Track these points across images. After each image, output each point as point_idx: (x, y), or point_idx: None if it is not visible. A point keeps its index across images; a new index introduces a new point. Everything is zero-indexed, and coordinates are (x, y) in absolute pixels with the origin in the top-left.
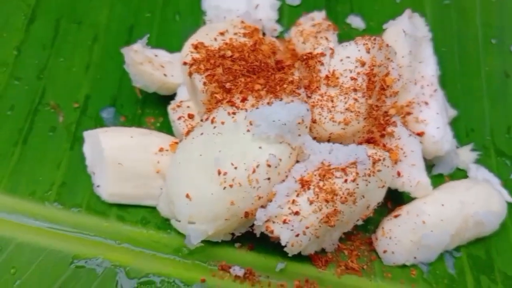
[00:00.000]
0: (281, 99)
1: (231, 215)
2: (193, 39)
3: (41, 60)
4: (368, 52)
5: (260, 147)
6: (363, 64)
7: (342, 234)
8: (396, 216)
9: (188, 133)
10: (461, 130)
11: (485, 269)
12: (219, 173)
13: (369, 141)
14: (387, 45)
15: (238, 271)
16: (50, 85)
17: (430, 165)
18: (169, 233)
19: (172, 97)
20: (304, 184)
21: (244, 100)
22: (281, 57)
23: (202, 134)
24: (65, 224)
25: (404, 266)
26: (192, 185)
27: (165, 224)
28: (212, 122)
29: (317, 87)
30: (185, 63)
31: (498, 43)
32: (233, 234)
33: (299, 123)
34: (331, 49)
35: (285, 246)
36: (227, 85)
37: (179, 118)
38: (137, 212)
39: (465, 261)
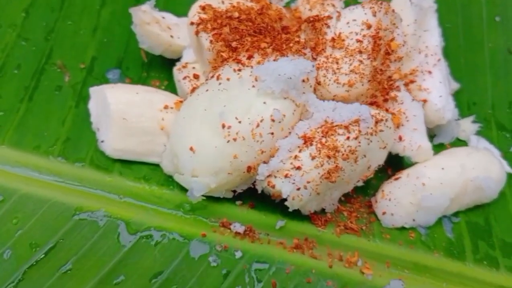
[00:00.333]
0: (287, 57)
1: (233, 169)
2: (201, 1)
3: (49, 22)
4: (374, 15)
5: (264, 102)
6: (369, 27)
7: (342, 196)
8: (396, 179)
9: (193, 90)
10: (463, 103)
11: (483, 235)
12: (223, 126)
13: (372, 105)
14: (393, 11)
15: (238, 227)
16: (57, 47)
17: (431, 135)
18: (172, 189)
19: (177, 61)
20: (307, 140)
21: (250, 57)
22: (288, 23)
23: (207, 90)
24: (68, 178)
25: (402, 228)
26: (196, 139)
27: (167, 181)
28: (218, 79)
29: (323, 49)
30: (192, 23)
31: (502, 20)
32: (234, 191)
33: (303, 80)
34: (337, 12)
35: (286, 201)
36: (233, 44)
37: (185, 78)
38: (140, 169)
39: (463, 226)
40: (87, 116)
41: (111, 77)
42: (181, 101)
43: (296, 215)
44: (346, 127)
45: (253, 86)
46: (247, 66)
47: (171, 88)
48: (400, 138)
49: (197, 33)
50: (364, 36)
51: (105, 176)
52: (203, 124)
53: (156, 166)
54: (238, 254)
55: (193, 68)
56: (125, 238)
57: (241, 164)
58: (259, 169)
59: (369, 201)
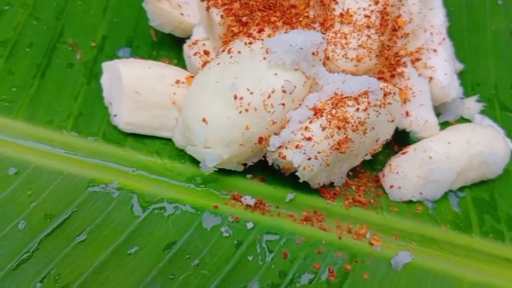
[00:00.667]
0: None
1: (245, 140)
2: None
3: (60, 2)
4: None
5: (275, 74)
6: (376, 2)
7: (350, 171)
8: (403, 153)
9: (204, 65)
10: (467, 84)
11: (489, 209)
12: (235, 98)
13: (380, 80)
14: None
15: (249, 200)
16: (68, 26)
17: (436, 113)
18: (183, 162)
19: (186, 40)
20: (317, 111)
21: (260, 31)
22: (295, 2)
23: (218, 64)
24: (81, 151)
25: (409, 202)
26: (209, 110)
27: (179, 155)
28: (229, 52)
29: (331, 25)
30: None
31: (505, 3)
32: (245, 164)
33: (313, 53)
34: None
35: (295, 174)
36: (244, 18)
37: (195, 54)
38: (152, 143)
39: (469, 201)
40: (99, 93)
41: (122, 55)
42: (192, 76)
43: (305, 188)
44: (356, 99)
45: (264, 58)
46: (257, 39)
47: (181, 66)
48: (407, 113)
49: (208, 8)
50: (372, 11)
51: (117, 149)
52: (215, 96)
53: (168, 140)
54: (250, 225)
55: (203, 44)
56: (138, 209)
57: (253, 135)
58: (271, 140)
59: (376, 175)
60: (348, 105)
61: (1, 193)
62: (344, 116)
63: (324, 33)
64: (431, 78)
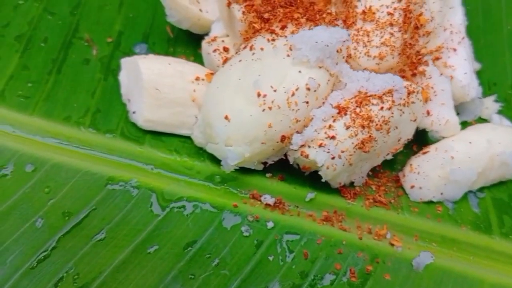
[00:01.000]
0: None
1: (267, 138)
2: None
3: None
4: None
5: (299, 71)
6: (399, 0)
7: (370, 171)
8: (424, 153)
9: (225, 61)
10: (484, 83)
11: (508, 210)
12: (259, 95)
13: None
14: None
15: (269, 199)
16: (83, 21)
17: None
18: (202, 161)
19: (202, 37)
20: (341, 110)
21: (283, 28)
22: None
23: (240, 60)
24: (99, 148)
25: (430, 202)
26: (231, 107)
27: (198, 153)
28: (251, 49)
29: (353, 22)
30: None
31: None
32: (265, 163)
33: (337, 51)
34: None
35: (318, 175)
36: (266, 15)
37: (215, 51)
38: (171, 141)
39: (488, 202)
40: (116, 89)
41: (138, 51)
42: (212, 73)
43: (325, 188)
44: (380, 97)
45: (288, 55)
46: (281, 36)
47: (198, 63)
48: (428, 113)
49: (229, 4)
50: (395, 9)
51: (136, 147)
52: (238, 93)
53: (187, 138)
54: (270, 225)
55: (222, 41)
56: (157, 208)
57: (275, 133)
58: (293, 138)
59: (396, 175)
60: (373, 104)
61: (18, 191)
62: (369, 114)
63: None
64: (451, 77)
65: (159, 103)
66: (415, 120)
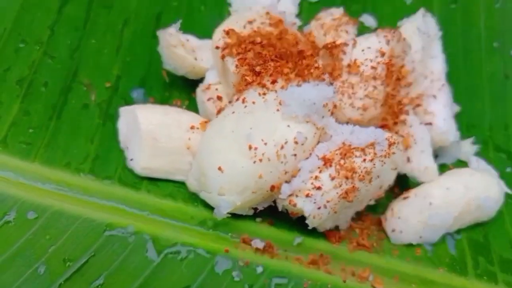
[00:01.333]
0: (308, 82)
1: (258, 188)
2: (224, 25)
3: (74, 40)
4: (387, 43)
5: (288, 126)
6: (382, 54)
7: (355, 214)
8: (405, 198)
9: (219, 112)
10: (463, 125)
11: (483, 251)
12: (250, 148)
13: (383, 127)
14: (404, 39)
15: (258, 243)
16: (82, 65)
17: (434, 155)
18: (196, 206)
19: (197, 82)
20: (327, 161)
21: (274, 82)
22: (303, 47)
23: (233, 112)
24: (98, 195)
25: (409, 245)
26: (224, 159)
27: (192, 198)
28: (243, 102)
29: (339, 74)
30: (217, 47)
31: (500, 46)
32: (255, 209)
33: (324, 105)
34: (353, 40)
35: (305, 219)
36: (257, 68)
37: (209, 100)
38: (166, 186)
39: (465, 243)
40: (114, 134)
41: (135, 96)
42: (206, 122)
43: (312, 232)
44: (363, 150)
45: (278, 110)
46: (271, 90)
47: (192, 106)
48: (408, 159)
49: (223, 57)
50: (378, 63)
51: (133, 193)
52: (231, 145)
53: (181, 183)
54: (259, 270)
55: (216, 89)
56: (153, 253)
57: (266, 183)
58: (282, 188)
59: (378, 218)
60: (356, 156)
61: (21, 238)
62: (352, 166)
63: (332, 83)
64: (430, 124)
65: (156, 152)
66: (395, 169)
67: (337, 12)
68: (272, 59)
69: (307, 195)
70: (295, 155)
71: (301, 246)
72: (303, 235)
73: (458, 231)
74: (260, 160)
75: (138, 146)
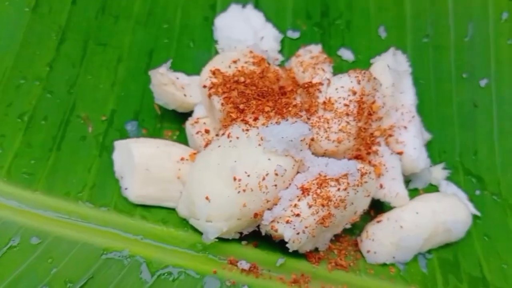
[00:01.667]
0: (287, 119)
1: (243, 215)
2: (211, 65)
3: (71, 77)
4: (358, 83)
5: (269, 159)
6: (354, 93)
7: (333, 236)
8: (378, 222)
9: (206, 145)
10: (435, 152)
11: (453, 270)
12: (235, 179)
13: (357, 157)
14: (374, 78)
15: (244, 265)
16: (80, 99)
17: (407, 180)
18: (186, 231)
19: (187, 114)
20: (304, 191)
21: (256, 119)
22: (284, 83)
23: (219, 146)
24: (96, 221)
25: (384, 264)
26: (211, 189)
27: (182, 223)
28: (228, 137)
29: (316, 110)
30: (204, 86)
31: (469, 77)
32: (241, 233)
33: (301, 140)
34: (328, 79)
35: (287, 242)
36: (241, 106)
37: (197, 133)
38: (158, 212)
39: (435, 262)
40: (110, 165)
41: (129, 129)
42: (195, 153)
43: (294, 253)
44: (337, 180)
45: (259, 145)
46: (253, 126)
47: (182, 137)
48: (381, 186)
49: (209, 95)
50: (350, 101)
51: (128, 219)
52: (217, 176)
53: (172, 210)
54: None
55: (204, 123)
56: (147, 275)
57: (249, 211)
58: (264, 215)
59: (355, 240)
60: (331, 185)
61: (25, 261)
62: (328, 195)
63: (309, 118)
64: (402, 152)
65: (148, 181)
66: (368, 195)
67: (315, 49)
68: (254, 97)
69: (287, 222)
70: (275, 185)
71: (283, 266)
72: (286, 256)
73: (430, 251)
74: (244, 191)
75: (132, 177)
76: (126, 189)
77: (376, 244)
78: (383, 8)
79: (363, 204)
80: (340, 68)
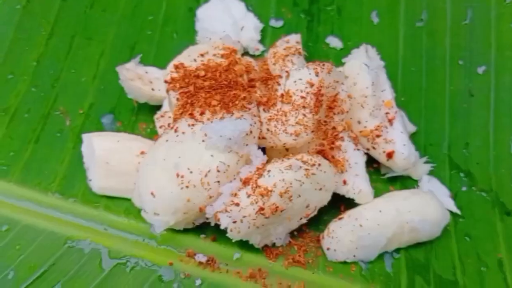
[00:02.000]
0: (232, 114)
1: (188, 209)
2: (176, 59)
3: (56, 71)
4: (316, 75)
5: (212, 155)
6: (311, 85)
7: (295, 231)
8: (340, 219)
9: (157, 138)
10: (420, 144)
11: (421, 271)
12: (178, 175)
13: (320, 152)
14: (338, 70)
15: (201, 258)
16: (62, 93)
17: (384, 173)
18: (146, 222)
19: (161, 107)
20: (245, 181)
21: (202, 113)
22: (256, 75)
23: (167, 141)
24: (62, 211)
25: (345, 262)
26: (156, 185)
27: None
28: (176, 131)
29: (274, 103)
30: (165, 81)
31: (465, 64)
32: (193, 222)
33: (247, 134)
34: (286, 72)
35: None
36: (190, 100)
37: (161, 127)
38: (122, 203)
39: (402, 262)
40: (82, 157)
41: (105, 122)
42: None
43: (252, 248)
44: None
45: (203, 141)
46: (199, 121)
47: (156, 130)
48: (345, 182)
49: (167, 91)
50: (307, 93)
51: (92, 210)
52: (162, 172)
53: None
54: (198, 282)
55: (169, 117)
56: (105, 263)
57: (194, 206)
58: (206, 210)
59: (318, 236)
60: (269, 176)
61: None
62: (266, 185)
63: (268, 111)
64: (393, 152)
65: (109, 173)
66: (321, 189)
67: (294, 38)
68: (205, 91)
69: (226, 211)
70: (218, 181)
71: (241, 261)
72: (243, 251)
73: (398, 250)
74: (187, 187)
75: (94, 168)
76: (90, 180)
77: (335, 241)
78: None
79: (318, 199)
80: (326, 55)
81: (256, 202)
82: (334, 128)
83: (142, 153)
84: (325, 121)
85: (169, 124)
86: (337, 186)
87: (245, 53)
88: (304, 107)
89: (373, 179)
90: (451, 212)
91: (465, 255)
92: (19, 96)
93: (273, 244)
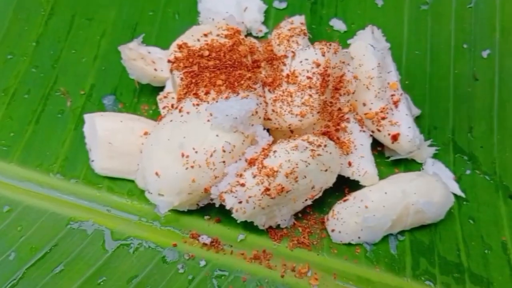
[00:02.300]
0: (238, 94)
1: (193, 190)
2: (180, 39)
3: (56, 51)
4: (323, 55)
5: (217, 135)
6: (318, 65)
7: (300, 213)
8: (344, 200)
9: (161, 119)
10: (425, 128)
11: (426, 253)
12: (183, 155)
13: (325, 134)
14: (344, 50)
15: (205, 239)
16: (62, 74)
17: (388, 156)
18: (150, 203)
19: (163, 88)
20: (251, 162)
21: (207, 93)
22: (259, 57)
23: (171, 121)
24: (64, 192)
25: (350, 244)
26: (161, 165)
27: (146, 197)
28: (180, 111)
29: (279, 84)
30: (169, 61)
31: (470, 47)
32: (198, 204)
33: (252, 114)
34: (292, 52)
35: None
36: (194, 79)
37: (164, 108)
38: (125, 184)
39: (407, 244)
40: (83, 138)
41: (106, 103)
42: None
43: (257, 230)
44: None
45: (208, 120)
46: (204, 101)
47: (158, 111)
48: (350, 164)
49: (171, 70)
50: (313, 73)
51: (95, 191)
52: (167, 152)
53: None
54: (202, 263)
55: (172, 98)
56: (108, 245)
57: (199, 186)
58: (212, 190)
59: (322, 218)
60: (275, 157)
61: None
62: (272, 166)
63: (273, 92)
64: (398, 134)
65: (111, 154)
66: (326, 170)
67: (298, 20)
68: (210, 70)
69: (231, 191)
70: (223, 161)
71: (245, 242)
72: (247, 233)
73: (402, 232)
74: (192, 167)
75: (96, 149)
76: (92, 161)
77: (340, 223)
78: None
79: (323, 180)
80: (330, 38)
81: (262, 183)
82: (339, 109)
83: (145, 133)
84: (330, 102)
85: (172, 105)
86: (342, 168)
87: (248, 34)
88: (310, 87)
89: (377, 162)
90: (455, 195)
91: (469, 238)
92: (19, 76)
93: (278, 226)
